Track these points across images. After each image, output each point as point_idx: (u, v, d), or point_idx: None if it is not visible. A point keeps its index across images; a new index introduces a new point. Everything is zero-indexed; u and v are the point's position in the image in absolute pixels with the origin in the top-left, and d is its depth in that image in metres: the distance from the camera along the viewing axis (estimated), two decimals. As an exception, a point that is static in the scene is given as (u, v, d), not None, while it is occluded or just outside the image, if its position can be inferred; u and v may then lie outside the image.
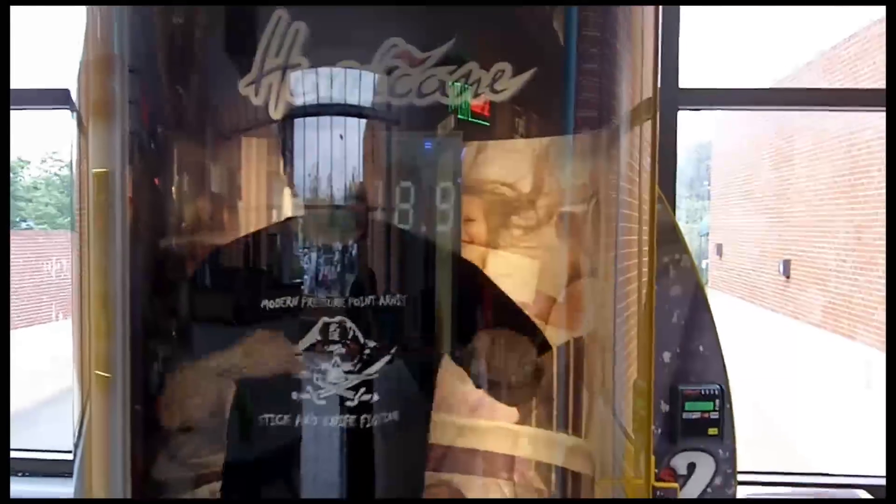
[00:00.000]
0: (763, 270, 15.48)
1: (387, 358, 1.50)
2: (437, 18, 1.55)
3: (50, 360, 12.37)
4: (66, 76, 1.56)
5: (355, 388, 1.48)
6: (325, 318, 1.48)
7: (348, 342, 1.48)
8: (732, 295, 16.76)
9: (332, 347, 1.48)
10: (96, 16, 1.48)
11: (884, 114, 2.34)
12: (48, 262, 17.18)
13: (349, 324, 1.48)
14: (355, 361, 1.48)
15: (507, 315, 1.73)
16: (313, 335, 1.48)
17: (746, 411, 1.97)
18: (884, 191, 10.02)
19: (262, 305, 1.50)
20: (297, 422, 1.48)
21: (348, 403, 1.48)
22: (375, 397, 1.49)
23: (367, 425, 1.49)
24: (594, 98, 1.65)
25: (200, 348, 1.59)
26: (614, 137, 1.64)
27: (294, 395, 1.48)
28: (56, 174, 23.75)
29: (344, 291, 1.51)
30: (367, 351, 1.49)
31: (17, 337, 14.29)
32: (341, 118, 1.54)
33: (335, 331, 1.48)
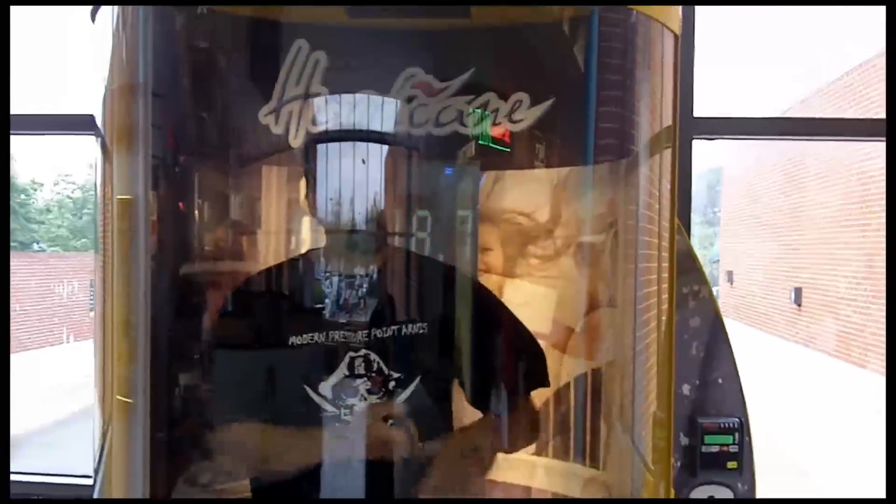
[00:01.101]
0: (774, 298, 15.41)
1: (411, 388, 1.49)
2: (456, 48, 1.56)
3: (57, 384, 12.39)
4: (91, 102, 1.57)
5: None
6: (351, 353, 1.48)
7: (373, 374, 1.48)
8: (743, 323, 16.68)
9: (358, 382, 1.47)
10: (122, 41, 1.50)
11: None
12: (60, 284, 17.25)
13: (373, 356, 1.48)
14: (381, 394, 1.48)
15: (520, 344, 1.70)
16: (341, 371, 1.48)
17: (759, 440, 1.96)
18: (896, 219, 9.97)
19: (289, 342, 1.49)
20: (325, 454, 1.48)
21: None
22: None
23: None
24: (614, 127, 1.65)
25: (224, 378, 1.59)
26: (633, 166, 1.64)
27: (323, 430, 1.48)
28: (69, 197, 23.92)
29: (367, 322, 1.50)
30: (392, 382, 1.49)
31: (27, 358, 14.33)
32: (360, 146, 1.54)
33: (360, 364, 1.48)
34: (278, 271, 1.66)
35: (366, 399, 1.47)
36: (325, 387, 1.48)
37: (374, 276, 1.54)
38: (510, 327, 1.68)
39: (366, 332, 1.49)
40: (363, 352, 1.48)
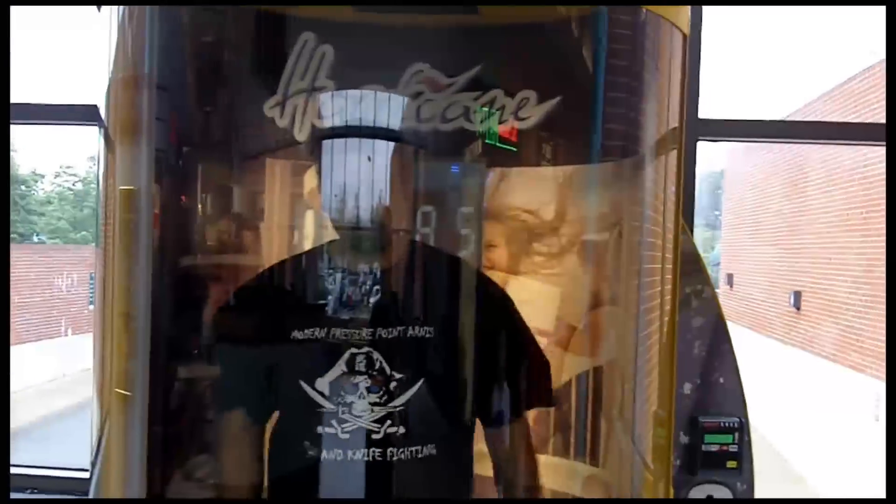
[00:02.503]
0: (774, 301, 15.40)
1: (414, 389, 1.47)
2: (464, 44, 1.56)
3: (60, 375, 12.39)
4: (94, 92, 1.56)
5: (381, 421, 1.45)
6: (353, 350, 1.45)
7: (374, 373, 1.45)
8: (742, 326, 16.67)
9: (358, 379, 1.45)
10: (127, 34, 1.49)
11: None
12: (59, 276, 17.23)
13: (376, 355, 1.45)
14: (381, 393, 1.45)
15: (528, 352, 1.69)
16: (339, 367, 1.45)
17: (755, 444, 1.96)
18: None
19: (291, 336, 1.47)
20: (322, 454, 1.45)
21: (374, 436, 1.45)
22: (402, 430, 1.46)
23: (394, 458, 1.45)
24: (621, 127, 1.64)
25: (223, 372, 1.59)
26: (639, 166, 1.64)
27: (319, 429, 1.44)
28: (70, 189, 23.95)
29: (371, 321, 1.48)
30: (394, 382, 1.46)
31: (25, 351, 14.31)
32: (366, 141, 1.53)
33: (361, 362, 1.45)
34: (287, 267, 1.64)
35: (364, 398, 1.45)
36: (322, 383, 1.45)
37: (380, 273, 1.52)
38: (521, 338, 1.67)
39: (370, 330, 1.47)
40: (366, 349, 1.45)
